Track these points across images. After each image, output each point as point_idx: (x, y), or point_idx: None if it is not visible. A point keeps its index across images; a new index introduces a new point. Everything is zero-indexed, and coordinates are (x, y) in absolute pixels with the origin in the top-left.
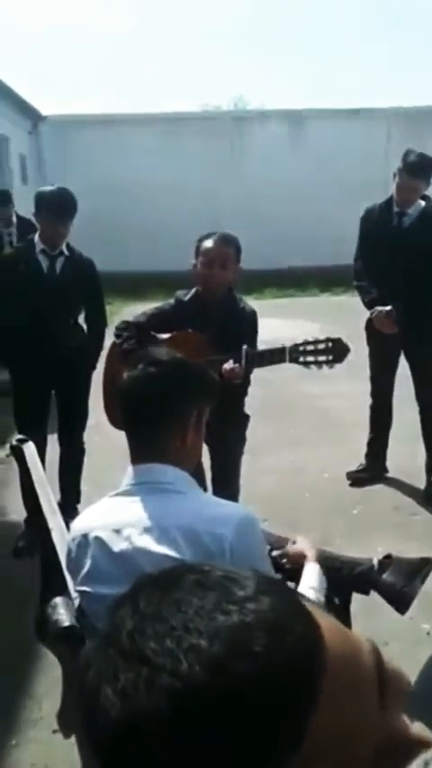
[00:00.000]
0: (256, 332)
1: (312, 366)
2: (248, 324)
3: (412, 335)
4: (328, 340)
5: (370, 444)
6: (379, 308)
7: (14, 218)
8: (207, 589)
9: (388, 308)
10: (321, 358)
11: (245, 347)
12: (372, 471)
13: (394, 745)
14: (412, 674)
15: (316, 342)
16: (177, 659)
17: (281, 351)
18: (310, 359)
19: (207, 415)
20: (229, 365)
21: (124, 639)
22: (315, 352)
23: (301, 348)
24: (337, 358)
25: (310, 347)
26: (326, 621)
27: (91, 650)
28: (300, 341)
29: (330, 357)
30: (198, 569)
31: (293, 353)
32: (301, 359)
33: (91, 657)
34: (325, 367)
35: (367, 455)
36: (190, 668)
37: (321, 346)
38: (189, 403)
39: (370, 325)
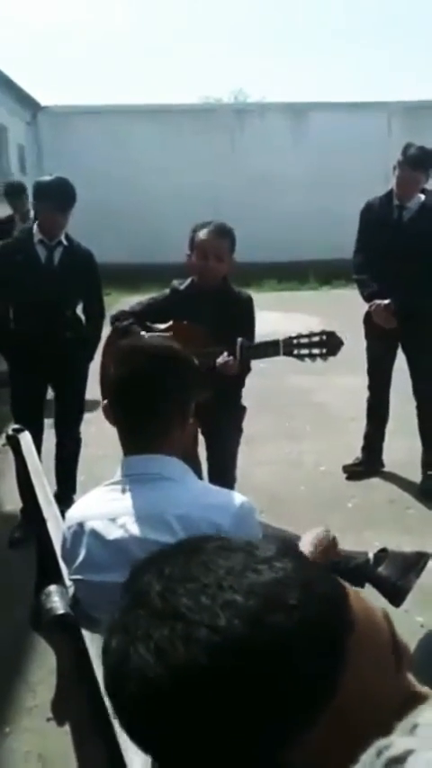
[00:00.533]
0: (252, 317)
1: (306, 359)
2: (244, 309)
3: (410, 328)
4: (322, 333)
5: (366, 438)
6: (377, 302)
7: (32, 213)
8: (232, 551)
9: (386, 301)
10: (315, 351)
11: (240, 339)
12: (368, 465)
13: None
14: None
15: (310, 335)
16: (214, 614)
17: (275, 343)
18: (304, 351)
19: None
20: (223, 358)
21: (155, 600)
22: (309, 345)
23: (295, 341)
24: (331, 351)
25: (304, 340)
26: (345, 584)
27: (115, 619)
28: (294, 334)
29: (324, 350)
30: (216, 537)
31: (287, 346)
32: (295, 351)
33: (116, 625)
34: (319, 360)
35: (364, 449)
36: (228, 622)
37: (315, 339)
38: (183, 390)
39: (368, 319)
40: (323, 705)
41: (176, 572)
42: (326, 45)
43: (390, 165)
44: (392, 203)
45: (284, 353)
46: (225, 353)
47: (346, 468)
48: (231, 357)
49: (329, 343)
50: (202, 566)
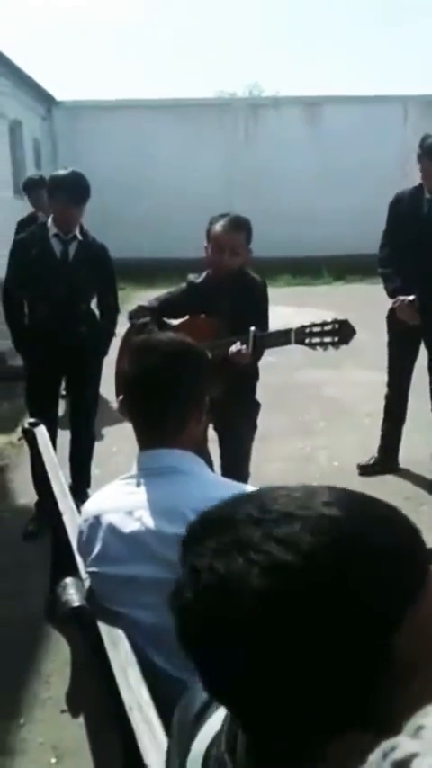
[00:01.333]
0: (266, 301)
1: (318, 347)
2: (259, 295)
3: None
4: (334, 322)
5: (384, 437)
6: (402, 298)
7: None
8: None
9: (411, 297)
10: (327, 339)
11: (252, 329)
12: (383, 464)
13: None
14: None
15: (323, 324)
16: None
17: (287, 332)
18: (316, 340)
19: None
20: (236, 347)
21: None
22: (321, 334)
23: (308, 330)
24: (343, 339)
25: (317, 329)
26: None
27: (216, 543)
28: (306, 323)
29: (336, 338)
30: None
31: (299, 334)
32: (307, 340)
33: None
34: (331, 348)
35: (380, 448)
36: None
37: (328, 328)
38: (197, 384)
39: (392, 315)
40: (407, 631)
41: (271, 508)
42: (341, 39)
43: (405, 158)
44: (423, 197)
45: (296, 342)
46: (238, 342)
47: (360, 468)
48: (244, 346)
49: (342, 332)
50: (289, 499)
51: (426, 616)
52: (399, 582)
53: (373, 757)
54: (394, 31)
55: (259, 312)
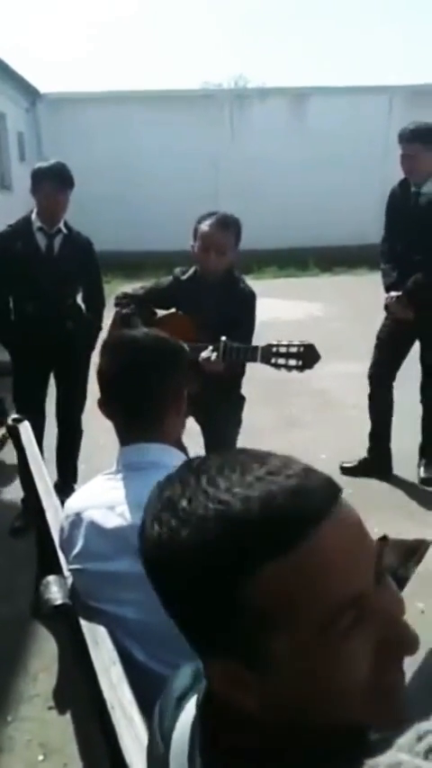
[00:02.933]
0: (252, 314)
1: (282, 368)
2: (245, 305)
3: (427, 318)
4: (300, 345)
5: (372, 439)
6: (392, 294)
7: None
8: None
9: (399, 293)
10: (291, 362)
11: (223, 338)
12: (371, 466)
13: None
14: None
15: (289, 345)
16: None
17: (254, 349)
18: (281, 361)
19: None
20: (207, 352)
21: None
22: (287, 356)
23: (274, 349)
24: (307, 364)
25: (283, 350)
26: None
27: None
28: (274, 341)
29: (300, 362)
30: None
31: (266, 353)
32: (273, 360)
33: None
34: (294, 371)
35: (370, 450)
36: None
37: (294, 350)
38: (174, 378)
39: (388, 309)
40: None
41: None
42: (326, 30)
43: (390, 149)
44: (410, 189)
45: (262, 361)
46: (210, 348)
47: (343, 469)
48: (215, 353)
49: (306, 356)
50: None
51: (288, 572)
52: (246, 549)
53: (404, 740)
54: (380, 22)
55: (243, 323)
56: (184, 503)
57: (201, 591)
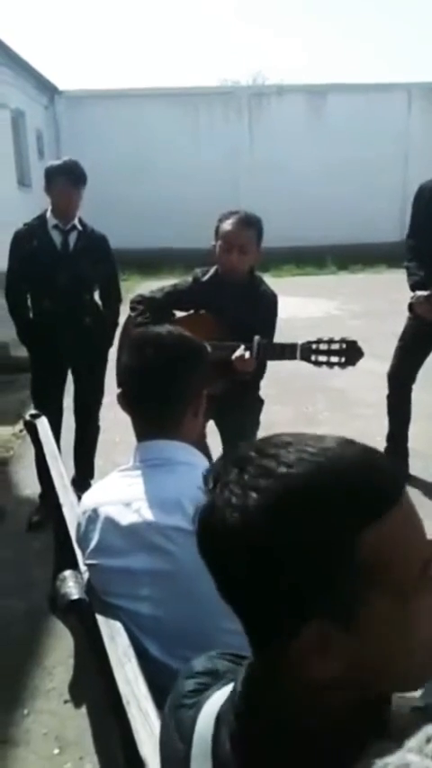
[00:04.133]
0: (274, 316)
1: (324, 366)
2: (267, 308)
3: None
4: (342, 341)
5: (390, 440)
6: (419, 293)
7: None
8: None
9: (426, 293)
10: (333, 359)
11: (257, 338)
12: None
13: None
14: None
15: (330, 341)
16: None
17: (292, 347)
18: (322, 359)
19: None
20: (240, 351)
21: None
22: (328, 352)
23: (314, 346)
24: (350, 361)
25: (324, 347)
26: None
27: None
28: (314, 338)
29: (342, 359)
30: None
31: (305, 351)
32: (313, 357)
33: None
34: (336, 368)
35: (388, 450)
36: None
37: (335, 347)
38: (195, 377)
39: (412, 309)
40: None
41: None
42: (346, 26)
43: (409, 147)
44: None
45: (302, 358)
46: (242, 347)
47: None
48: (248, 352)
49: (349, 353)
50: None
51: (386, 533)
52: (357, 506)
53: (415, 741)
54: (398, 18)
55: (265, 325)
56: (282, 467)
57: (315, 549)
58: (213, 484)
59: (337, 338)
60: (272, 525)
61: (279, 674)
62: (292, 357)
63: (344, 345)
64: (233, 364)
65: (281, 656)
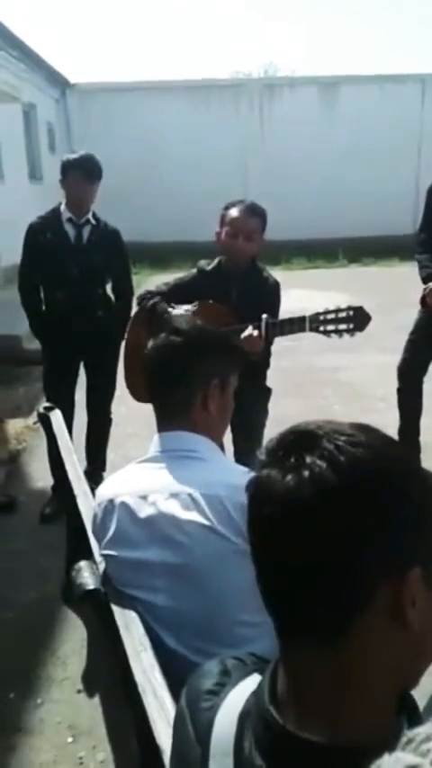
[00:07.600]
0: (278, 302)
1: (333, 335)
2: (270, 294)
3: None
4: (349, 308)
5: (401, 434)
6: (431, 285)
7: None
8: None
9: None
10: (342, 326)
11: (264, 316)
12: None
13: None
14: None
15: (337, 310)
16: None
17: (301, 319)
18: (331, 327)
19: (234, 385)
20: (248, 331)
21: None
22: (336, 321)
23: (322, 317)
24: (358, 326)
25: (331, 316)
26: None
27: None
28: (320, 309)
29: (351, 325)
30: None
31: (314, 322)
32: (322, 327)
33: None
34: (346, 335)
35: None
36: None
37: (342, 315)
38: (210, 370)
39: (425, 302)
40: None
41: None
42: (359, 17)
43: (423, 138)
44: None
45: (311, 329)
46: (250, 327)
47: None
48: (256, 331)
49: (357, 319)
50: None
51: None
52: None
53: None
54: (411, 8)
55: (270, 310)
56: (365, 437)
57: (418, 496)
58: (282, 458)
59: (343, 305)
60: (375, 480)
61: (355, 657)
62: (302, 329)
63: (351, 312)
64: (242, 345)
65: (363, 631)
